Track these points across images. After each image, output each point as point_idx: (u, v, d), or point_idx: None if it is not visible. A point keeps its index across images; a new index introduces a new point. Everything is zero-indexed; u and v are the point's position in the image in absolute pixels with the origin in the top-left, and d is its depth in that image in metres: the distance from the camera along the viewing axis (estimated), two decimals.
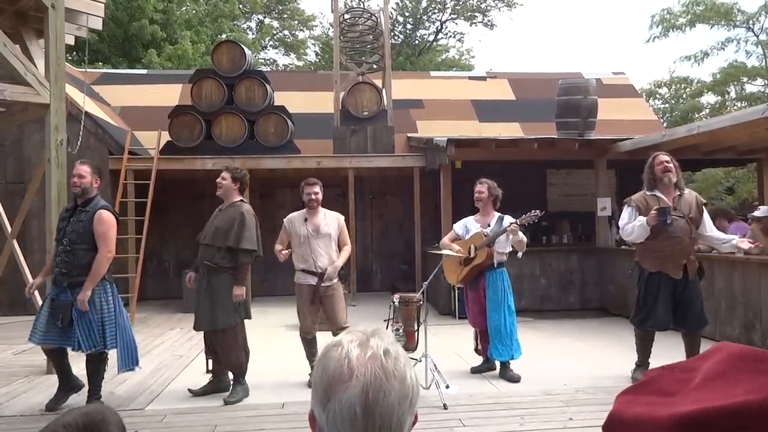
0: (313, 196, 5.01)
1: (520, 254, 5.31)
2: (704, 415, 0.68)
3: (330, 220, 5.09)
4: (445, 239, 5.50)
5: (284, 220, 5.14)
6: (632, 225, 4.85)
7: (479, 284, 5.21)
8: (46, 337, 4.39)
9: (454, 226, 5.53)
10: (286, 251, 5.00)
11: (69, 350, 4.56)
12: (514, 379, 5.06)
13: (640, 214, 4.86)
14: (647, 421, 0.72)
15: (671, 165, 4.85)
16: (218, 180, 4.85)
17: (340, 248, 5.11)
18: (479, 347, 5.42)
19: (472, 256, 5.16)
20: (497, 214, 5.27)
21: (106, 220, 4.39)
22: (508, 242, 5.16)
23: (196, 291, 4.78)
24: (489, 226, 5.22)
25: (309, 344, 5.06)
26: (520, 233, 5.03)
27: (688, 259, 4.79)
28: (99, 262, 4.32)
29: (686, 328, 4.87)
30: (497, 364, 5.26)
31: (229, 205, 4.84)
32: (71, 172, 4.47)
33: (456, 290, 8.38)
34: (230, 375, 4.92)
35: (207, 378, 5.05)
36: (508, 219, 5.21)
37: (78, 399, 4.58)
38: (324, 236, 5.00)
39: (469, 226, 5.35)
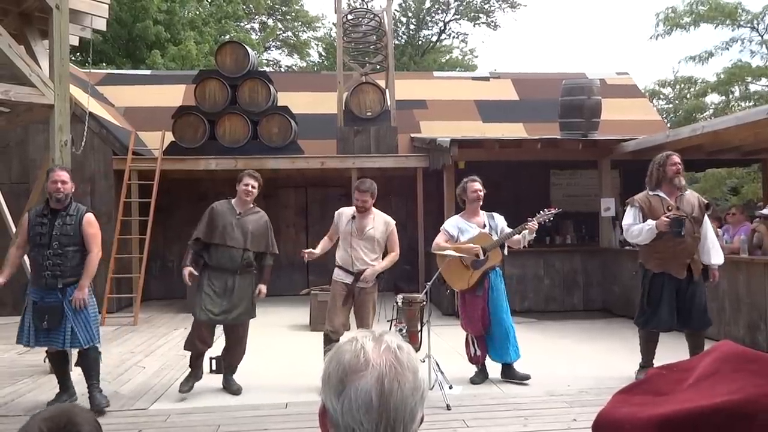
0: (363, 204, 4.94)
1: (506, 251, 5.19)
2: (683, 415, 0.68)
3: (378, 224, 4.98)
4: (441, 242, 5.10)
5: (335, 213, 5.12)
6: (640, 228, 4.82)
7: (484, 287, 5.03)
8: (36, 339, 4.46)
9: (446, 227, 5.19)
10: (309, 251, 4.93)
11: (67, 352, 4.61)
12: (526, 378, 4.97)
13: (643, 215, 4.86)
14: (630, 421, 0.73)
15: (681, 167, 4.91)
16: (248, 189, 4.87)
17: (386, 253, 5.04)
18: (477, 354, 5.11)
19: (483, 258, 4.95)
20: (484, 212, 5.17)
21: (95, 222, 4.63)
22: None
23: (218, 289, 4.77)
24: (485, 225, 5.08)
25: (331, 344, 4.97)
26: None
27: (692, 259, 4.77)
28: (93, 261, 4.54)
29: (689, 328, 4.85)
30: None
31: (248, 210, 4.94)
32: (51, 178, 4.46)
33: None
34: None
35: (210, 378, 5.07)
36: (498, 216, 5.17)
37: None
38: (368, 239, 4.92)
39: (461, 226, 5.11)
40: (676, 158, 4.92)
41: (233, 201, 4.97)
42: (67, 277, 4.45)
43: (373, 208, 5.02)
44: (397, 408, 0.88)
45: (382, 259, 5.02)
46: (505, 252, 5.18)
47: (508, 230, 5.04)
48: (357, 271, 4.88)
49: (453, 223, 5.19)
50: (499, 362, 5.10)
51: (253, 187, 4.89)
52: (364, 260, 4.90)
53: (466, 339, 5.21)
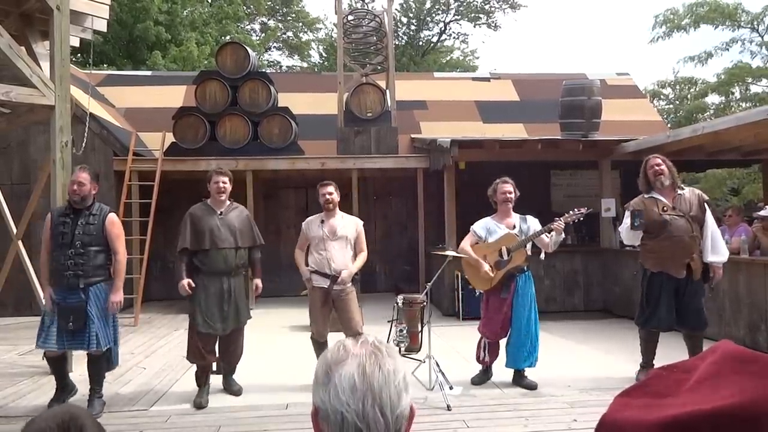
0: (328, 197, 4.94)
1: (543, 256, 5.17)
2: (687, 418, 0.68)
3: (347, 224, 5.00)
4: (466, 244, 5.06)
5: (303, 223, 5.11)
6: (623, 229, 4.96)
7: (510, 290, 4.92)
8: (59, 342, 4.40)
9: (474, 228, 5.11)
10: (309, 279, 4.95)
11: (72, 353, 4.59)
12: (532, 386, 4.88)
13: None
14: (635, 424, 0.73)
15: (663, 167, 4.84)
16: (220, 186, 4.78)
17: (356, 254, 5.04)
18: (485, 359, 5.05)
19: (506, 258, 4.90)
20: (517, 215, 5.10)
21: (118, 222, 4.65)
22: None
23: (214, 295, 4.71)
24: (515, 227, 5.00)
25: (320, 347, 4.97)
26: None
27: (691, 259, 4.75)
28: (122, 263, 4.58)
29: (685, 328, 4.86)
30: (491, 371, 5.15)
31: (228, 208, 4.89)
32: (71, 178, 4.45)
33: (460, 291, 8.37)
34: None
35: (211, 379, 5.06)
36: (531, 219, 5.07)
37: (74, 400, 4.60)
38: (340, 239, 4.91)
39: (490, 227, 5.04)
40: (653, 161, 4.89)
41: (209, 201, 4.89)
42: (89, 277, 4.41)
43: (338, 210, 5.04)
44: (381, 387, 0.93)
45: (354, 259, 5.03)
46: (542, 257, 5.19)
47: (536, 230, 4.96)
48: (333, 274, 4.85)
49: (482, 225, 5.12)
50: (511, 368, 5.01)
51: (224, 183, 4.81)
52: (339, 260, 4.89)
53: (479, 342, 5.14)
